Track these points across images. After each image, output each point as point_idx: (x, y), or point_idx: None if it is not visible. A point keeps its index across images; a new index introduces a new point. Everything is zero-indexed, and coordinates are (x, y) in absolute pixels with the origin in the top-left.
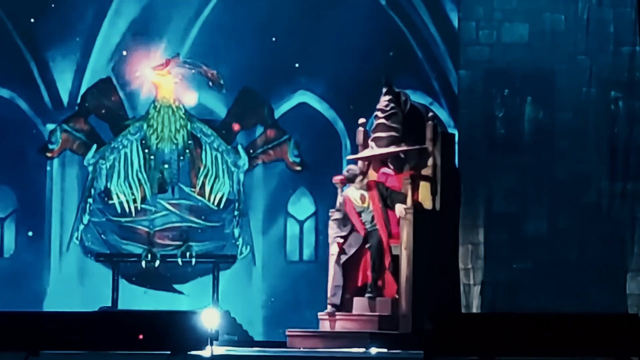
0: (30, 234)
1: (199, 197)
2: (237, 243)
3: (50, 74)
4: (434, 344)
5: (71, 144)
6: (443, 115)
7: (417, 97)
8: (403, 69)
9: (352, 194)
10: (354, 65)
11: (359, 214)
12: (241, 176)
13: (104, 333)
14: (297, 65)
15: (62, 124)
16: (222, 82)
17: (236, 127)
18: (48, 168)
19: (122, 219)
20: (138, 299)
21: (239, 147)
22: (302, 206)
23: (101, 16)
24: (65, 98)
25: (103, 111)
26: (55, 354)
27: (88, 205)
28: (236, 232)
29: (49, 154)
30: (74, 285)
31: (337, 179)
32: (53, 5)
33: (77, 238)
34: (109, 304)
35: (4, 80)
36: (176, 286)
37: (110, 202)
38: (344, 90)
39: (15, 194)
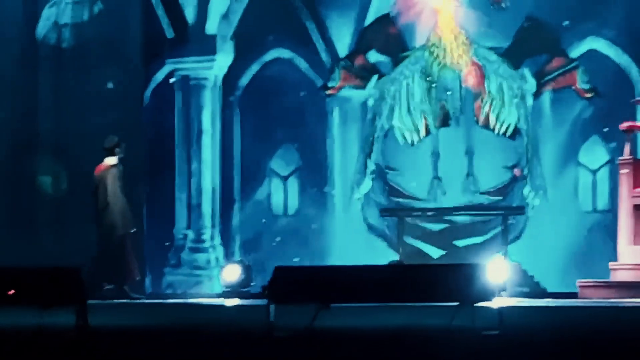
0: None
1: (484, 128)
2: (525, 191)
3: (327, 32)
4: None
5: (351, 80)
6: None
7: None
8: None
9: None
10: None
11: None
12: (530, 100)
13: (394, 286)
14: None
15: (340, 61)
16: (504, 4)
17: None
18: (329, 125)
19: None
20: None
21: (526, 71)
22: (595, 155)
23: None
24: (343, 55)
25: (382, 45)
26: (345, 307)
27: (370, 158)
28: (525, 171)
29: (328, 92)
30: (359, 240)
31: (624, 125)
32: None
33: (360, 193)
34: (397, 259)
35: (284, 42)
36: (465, 240)
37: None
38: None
39: (298, 151)
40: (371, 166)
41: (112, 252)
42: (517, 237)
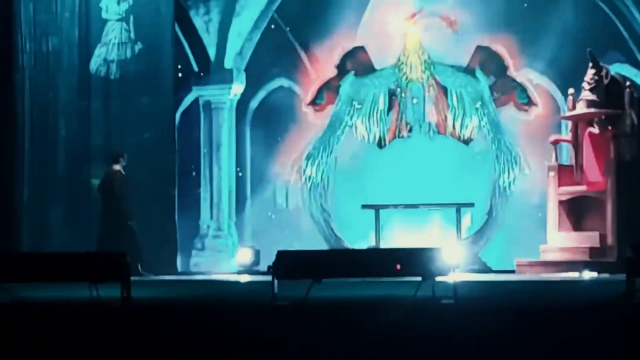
0: None
1: (447, 135)
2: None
3: (320, 65)
4: (635, 268)
5: (333, 99)
6: None
7: (624, 69)
8: (612, 47)
9: None
10: (570, 46)
11: None
12: (487, 95)
13: (371, 265)
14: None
15: (326, 84)
16: (458, 28)
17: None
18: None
19: None
20: (397, 239)
21: (478, 72)
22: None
23: (360, 13)
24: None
25: (357, 69)
26: (333, 281)
27: None
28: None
29: (317, 108)
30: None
31: (552, 138)
32: (318, 11)
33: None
34: (374, 244)
35: (285, 73)
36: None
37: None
38: (563, 66)
39: None
40: (325, 170)
41: (126, 237)
42: (488, 240)
